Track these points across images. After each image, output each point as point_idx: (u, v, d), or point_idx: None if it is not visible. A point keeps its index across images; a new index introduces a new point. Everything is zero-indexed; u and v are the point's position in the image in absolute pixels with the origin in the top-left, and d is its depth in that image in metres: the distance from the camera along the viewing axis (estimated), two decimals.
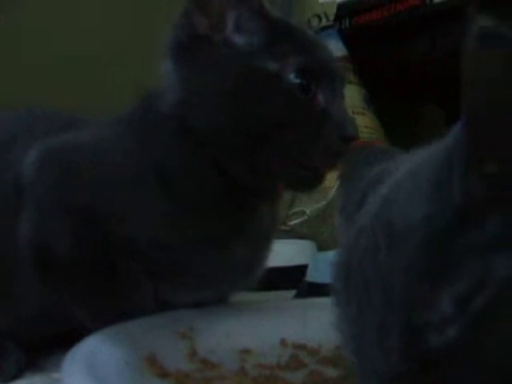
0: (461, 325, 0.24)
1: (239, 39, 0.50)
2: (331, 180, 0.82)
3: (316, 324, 0.51)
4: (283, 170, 0.51)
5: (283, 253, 0.84)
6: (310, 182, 0.52)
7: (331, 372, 0.46)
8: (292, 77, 0.49)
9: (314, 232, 0.96)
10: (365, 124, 1.10)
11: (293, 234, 0.96)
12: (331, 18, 1.22)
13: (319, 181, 0.52)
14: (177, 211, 0.50)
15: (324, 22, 1.21)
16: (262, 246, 0.55)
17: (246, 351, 0.50)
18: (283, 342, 0.51)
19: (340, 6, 1.25)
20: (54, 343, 0.53)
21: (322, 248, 0.90)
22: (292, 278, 0.80)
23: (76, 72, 1.22)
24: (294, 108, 0.50)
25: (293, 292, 0.77)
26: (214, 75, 0.50)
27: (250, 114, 0.49)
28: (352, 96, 1.07)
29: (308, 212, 0.98)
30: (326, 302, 0.59)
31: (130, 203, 0.50)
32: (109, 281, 0.51)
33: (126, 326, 0.48)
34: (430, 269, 0.25)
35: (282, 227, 0.93)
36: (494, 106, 0.23)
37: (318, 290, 0.68)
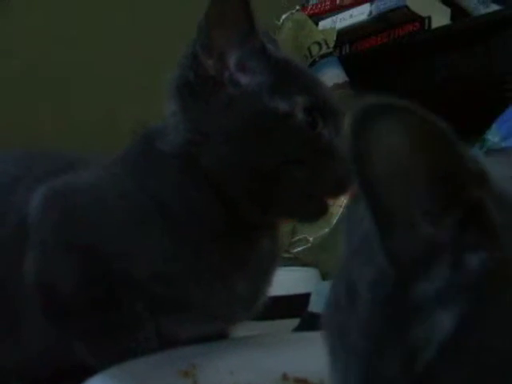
0: None
1: (244, 79, 0.51)
2: (335, 207, 0.82)
3: (317, 358, 0.51)
4: (292, 205, 0.52)
5: (286, 280, 0.84)
6: (316, 213, 0.53)
7: None
8: (301, 115, 0.51)
9: (317, 260, 0.96)
10: None
11: (296, 261, 0.96)
12: (331, 44, 1.23)
13: (325, 211, 0.53)
14: (181, 247, 0.51)
15: (324, 49, 1.22)
16: (263, 279, 0.56)
17: None
18: (285, 377, 0.51)
19: (340, 33, 1.26)
20: (59, 381, 0.54)
21: (325, 276, 0.90)
22: (294, 307, 0.80)
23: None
24: (304, 145, 0.51)
25: (295, 321, 0.77)
26: (224, 115, 0.51)
27: (262, 153, 0.50)
28: None
29: (311, 239, 0.98)
30: None
31: (132, 241, 0.51)
32: (112, 319, 0.51)
33: (130, 365, 0.48)
34: (378, 331, 0.25)
35: (285, 255, 0.93)
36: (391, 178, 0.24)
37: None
